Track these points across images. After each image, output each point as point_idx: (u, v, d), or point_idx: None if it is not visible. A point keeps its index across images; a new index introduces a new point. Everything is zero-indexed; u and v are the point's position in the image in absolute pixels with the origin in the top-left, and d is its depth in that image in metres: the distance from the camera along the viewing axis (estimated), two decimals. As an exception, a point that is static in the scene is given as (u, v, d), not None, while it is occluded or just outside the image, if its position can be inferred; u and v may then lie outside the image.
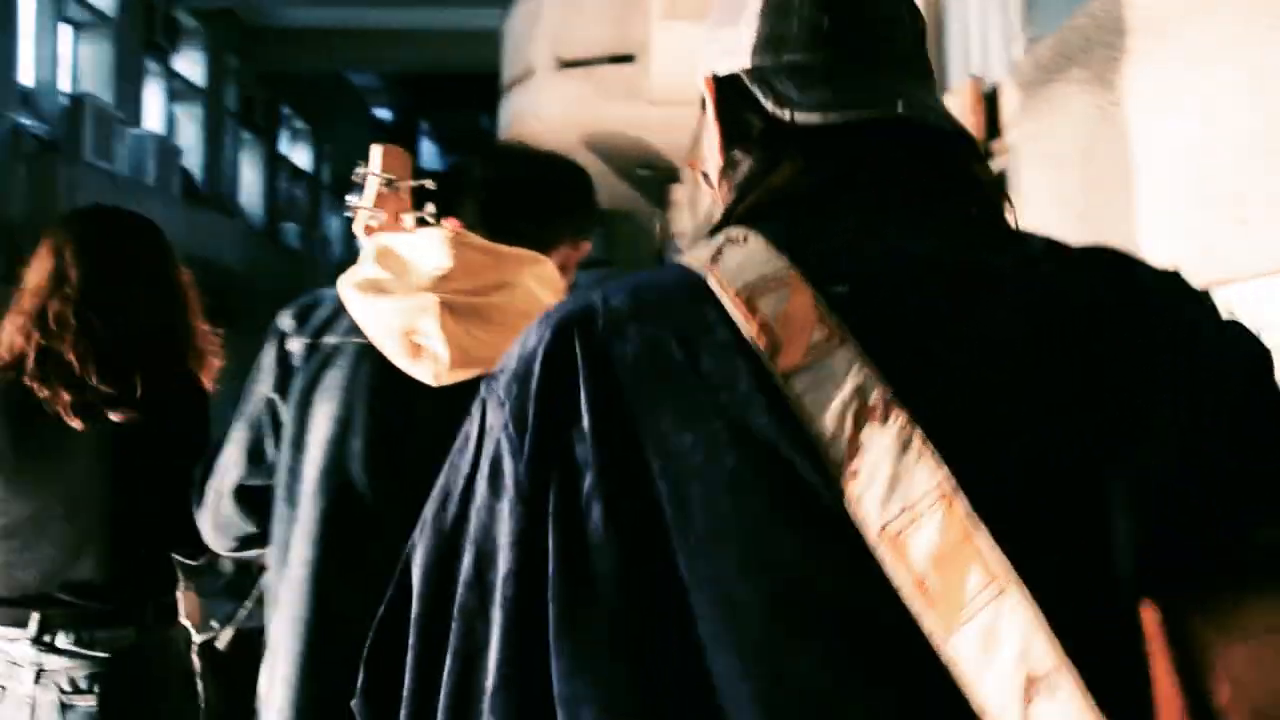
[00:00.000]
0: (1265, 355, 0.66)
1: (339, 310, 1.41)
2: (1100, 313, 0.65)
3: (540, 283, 1.31)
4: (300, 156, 18.28)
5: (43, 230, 1.96)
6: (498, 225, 1.36)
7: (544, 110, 8.41)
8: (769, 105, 0.73)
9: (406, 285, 1.31)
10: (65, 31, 10.98)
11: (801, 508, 0.59)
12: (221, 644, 3.01)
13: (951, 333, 0.64)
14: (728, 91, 0.77)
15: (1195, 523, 0.59)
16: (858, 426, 0.58)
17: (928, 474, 0.57)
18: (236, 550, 1.60)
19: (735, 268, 0.64)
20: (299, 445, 1.38)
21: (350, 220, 1.64)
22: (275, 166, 16.57)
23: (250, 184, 15.66)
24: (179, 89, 13.38)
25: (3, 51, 9.45)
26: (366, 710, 0.69)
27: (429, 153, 31.17)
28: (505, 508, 0.63)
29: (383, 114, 24.70)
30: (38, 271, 1.83)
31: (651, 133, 8.47)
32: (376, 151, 1.72)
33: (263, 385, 1.47)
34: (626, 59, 7.78)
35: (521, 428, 0.63)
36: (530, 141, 8.98)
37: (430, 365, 1.26)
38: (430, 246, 1.34)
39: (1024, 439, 0.61)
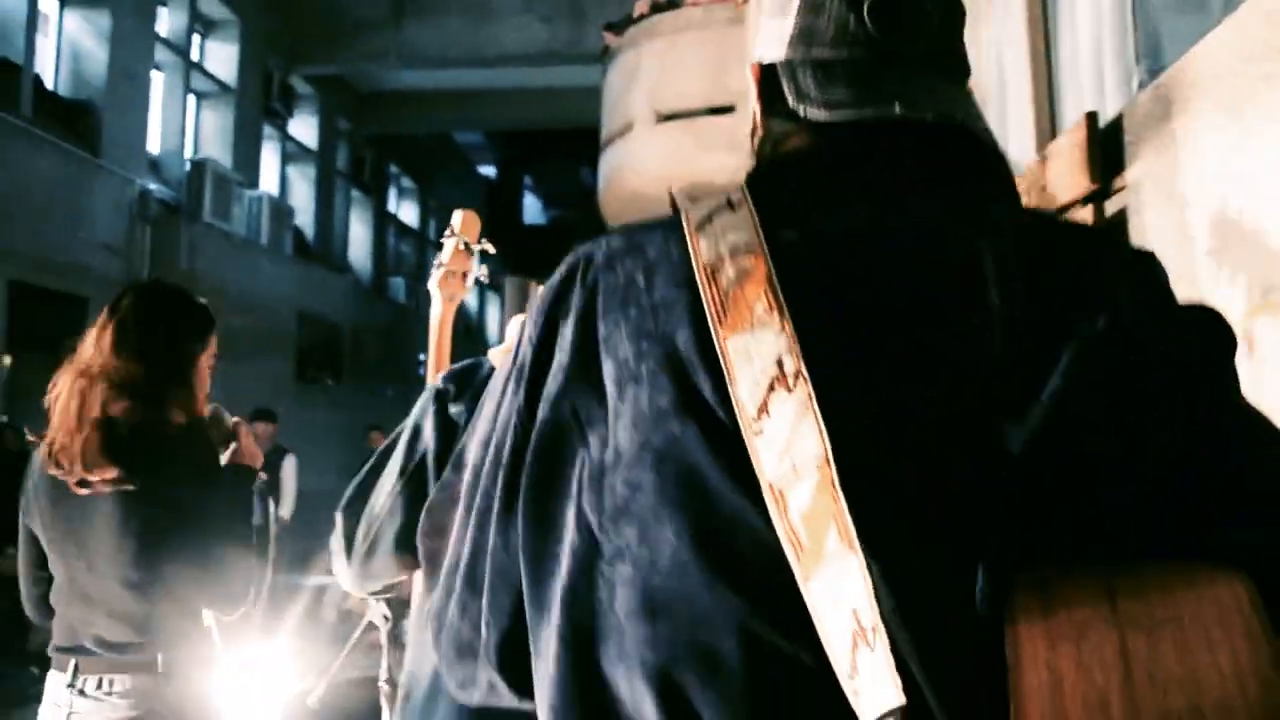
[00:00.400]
0: (1213, 352, 0.70)
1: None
2: (1020, 297, 0.68)
3: None
4: (407, 213, 18.83)
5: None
6: None
7: (643, 163, 8.47)
8: (790, 98, 0.79)
9: None
10: (190, 102, 11.57)
11: (712, 441, 0.67)
12: (312, 701, 2.98)
13: (882, 301, 0.69)
14: (768, 78, 0.82)
15: (1069, 500, 0.63)
16: (770, 390, 0.65)
17: (814, 441, 0.63)
18: (375, 595, 1.65)
19: (718, 230, 0.73)
20: None
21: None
22: (383, 223, 17.10)
23: (359, 241, 16.16)
24: (293, 151, 13.94)
25: (135, 124, 10.00)
26: (426, 544, 0.89)
27: (532, 207, 31.79)
28: (517, 392, 0.78)
29: (487, 170, 25.34)
30: (87, 344, 1.98)
31: (750, 182, 8.42)
32: (458, 216, 1.96)
33: (426, 445, 1.53)
34: (725, 110, 7.78)
35: (534, 333, 0.78)
36: (631, 192, 9.04)
37: None
38: None
39: (909, 412, 0.66)
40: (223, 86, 11.88)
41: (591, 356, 0.74)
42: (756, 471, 0.65)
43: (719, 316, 0.69)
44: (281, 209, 12.63)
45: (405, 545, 1.48)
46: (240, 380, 11.21)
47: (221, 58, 11.97)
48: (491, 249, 1.97)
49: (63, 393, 1.94)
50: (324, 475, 10.19)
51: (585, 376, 0.74)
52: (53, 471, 1.90)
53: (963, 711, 0.60)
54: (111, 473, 1.87)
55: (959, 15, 0.82)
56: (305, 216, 14.01)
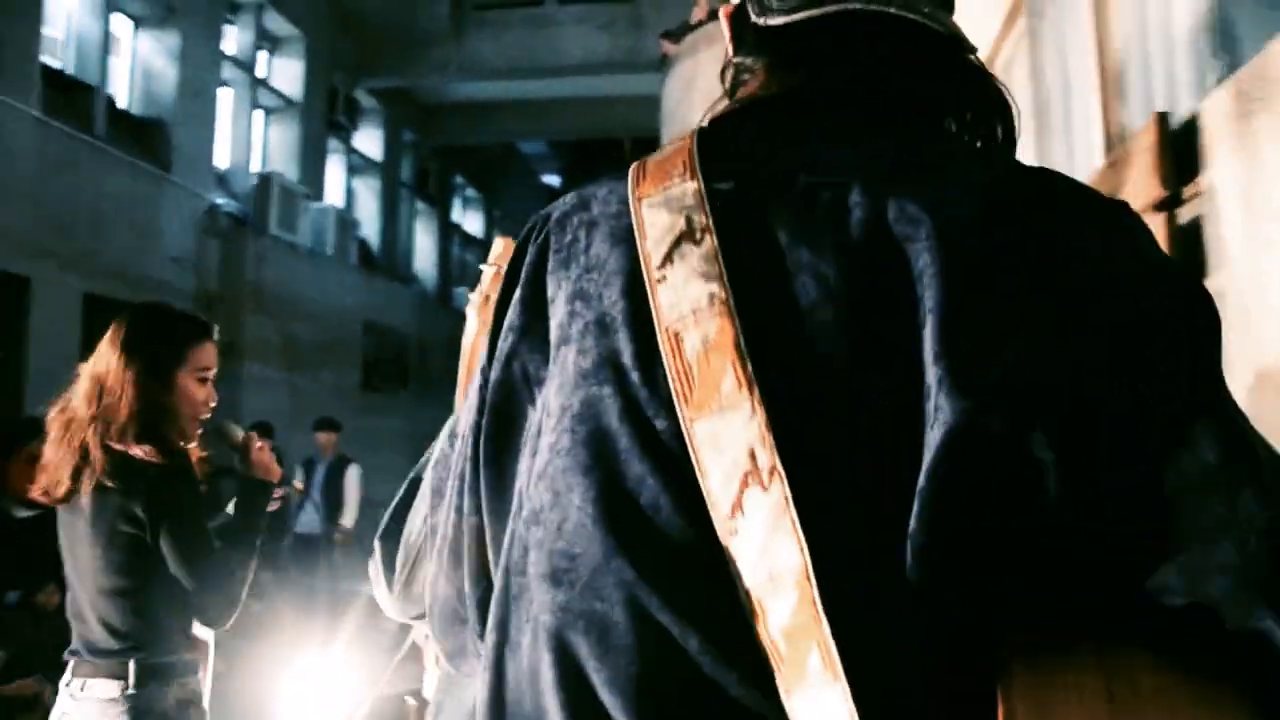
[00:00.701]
0: (1190, 333, 0.60)
1: None
2: (963, 253, 0.61)
3: None
4: (472, 223, 18.99)
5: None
6: None
7: (701, 170, 8.34)
8: (753, 16, 0.79)
9: None
10: (257, 116, 11.80)
11: (627, 408, 0.65)
12: (359, 716, 2.97)
13: (807, 250, 0.64)
14: (737, 17, 0.82)
15: (1007, 481, 0.57)
16: (744, 487, 0.60)
17: (793, 552, 0.58)
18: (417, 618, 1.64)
19: (680, 279, 0.66)
20: None
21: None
22: (448, 234, 17.26)
23: (424, 251, 16.33)
24: (357, 164, 14.14)
25: (203, 139, 10.21)
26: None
27: (595, 215, 31.88)
28: (489, 354, 0.79)
29: (550, 179, 25.50)
30: (90, 365, 2.10)
31: (811, 188, 8.27)
32: (498, 244, 1.92)
33: None
34: (783, 115, 7.65)
35: (498, 294, 0.79)
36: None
37: None
38: None
39: (830, 368, 0.61)
40: (288, 101, 12.09)
41: (537, 315, 0.74)
42: (733, 573, 0.60)
43: (685, 395, 0.63)
44: (347, 220, 12.80)
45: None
46: (307, 390, 11.39)
47: (287, 74, 12.18)
48: None
49: (52, 432, 2.06)
50: (389, 484, 10.21)
51: (532, 335, 0.74)
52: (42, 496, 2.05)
53: None
54: (86, 489, 1.98)
55: None
56: (370, 228, 14.19)
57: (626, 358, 0.66)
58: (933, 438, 0.57)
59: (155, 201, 9.33)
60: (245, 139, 11.34)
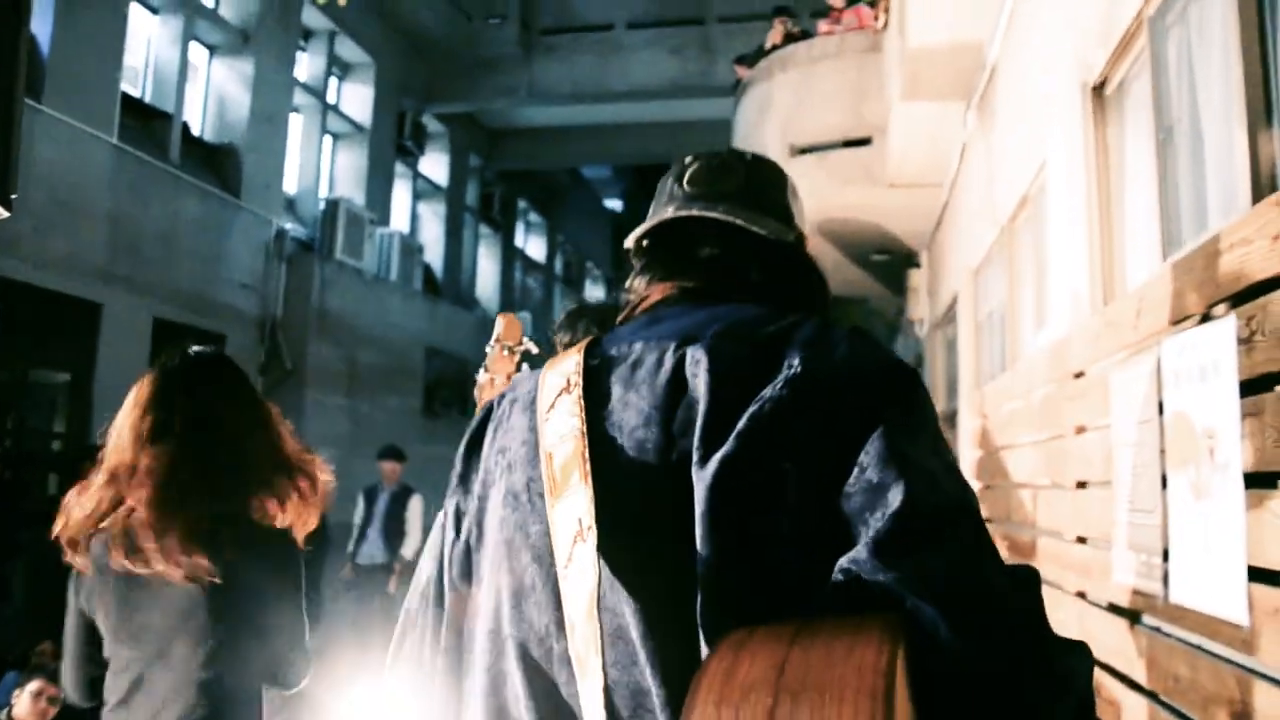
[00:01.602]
0: (877, 403, 0.90)
1: None
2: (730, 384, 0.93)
3: None
4: (535, 248, 18.97)
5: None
6: None
7: (774, 198, 8.17)
8: (633, 251, 1.22)
9: None
10: (326, 142, 11.87)
11: (522, 524, 1.02)
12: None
13: (634, 393, 0.99)
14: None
15: (750, 515, 0.87)
16: (575, 543, 0.91)
17: (592, 576, 0.88)
18: None
19: (556, 417, 1.01)
20: None
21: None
22: (510, 258, 17.23)
23: (487, 276, 16.32)
24: (423, 188, 14.18)
25: (273, 165, 10.28)
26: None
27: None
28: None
29: (613, 204, 25.49)
30: (123, 421, 1.99)
31: (887, 216, 8.05)
32: (500, 322, 2.10)
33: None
34: (863, 142, 7.44)
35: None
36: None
37: None
38: None
39: (635, 472, 0.94)
40: (357, 127, 12.15)
41: (469, 468, 1.13)
42: (564, 604, 0.92)
43: (551, 489, 0.96)
44: (411, 246, 12.81)
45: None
46: (369, 416, 11.36)
47: (357, 99, 12.25)
48: (535, 349, 2.12)
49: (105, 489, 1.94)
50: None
51: (463, 484, 1.13)
52: (123, 560, 1.88)
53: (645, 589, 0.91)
54: (193, 562, 1.88)
55: (771, 179, 1.21)
56: (434, 252, 14.20)
57: (520, 488, 1.02)
58: (703, 478, 0.88)
59: (225, 227, 9.38)
60: (314, 165, 11.41)
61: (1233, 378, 1.77)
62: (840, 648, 0.72)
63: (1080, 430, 2.98)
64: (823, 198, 7.59)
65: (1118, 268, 3.20)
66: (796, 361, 0.91)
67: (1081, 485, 2.98)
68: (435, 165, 14.33)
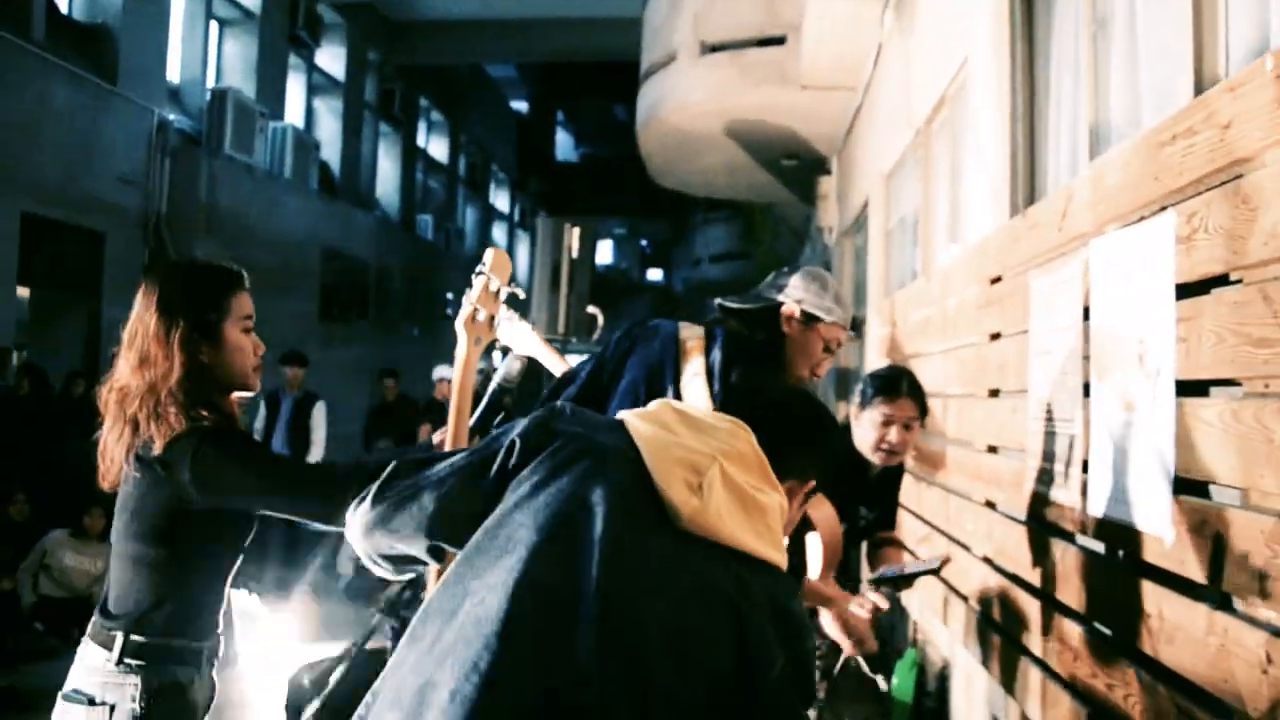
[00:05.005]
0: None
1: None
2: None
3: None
4: (437, 148, 18.33)
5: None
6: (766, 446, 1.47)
7: (686, 96, 7.92)
8: None
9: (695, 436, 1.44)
10: (212, 28, 11.11)
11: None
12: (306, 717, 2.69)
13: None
14: None
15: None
16: None
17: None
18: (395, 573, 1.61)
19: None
20: None
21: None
22: (412, 158, 16.62)
23: (387, 176, 15.74)
24: (319, 83, 13.48)
25: (154, 50, 9.57)
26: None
27: (564, 143, 31.21)
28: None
29: (519, 105, 24.75)
30: (129, 334, 1.97)
31: (800, 119, 7.88)
32: (489, 255, 2.12)
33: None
34: (777, 41, 7.22)
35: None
36: (671, 128, 8.61)
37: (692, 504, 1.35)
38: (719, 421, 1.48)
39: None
40: (246, 12, 11.40)
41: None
42: None
43: None
44: (306, 142, 12.20)
45: (430, 529, 1.45)
46: (265, 319, 10.89)
47: (243, -19, 11.46)
48: (521, 293, 2.15)
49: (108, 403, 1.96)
50: (349, 419, 9.91)
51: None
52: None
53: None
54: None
55: None
56: (331, 150, 13.59)
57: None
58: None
59: (100, 116, 8.74)
60: (199, 51, 10.68)
61: (1169, 279, 1.69)
62: None
63: (995, 337, 2.92)
64: (734, 97, 7.38)
65: (1039, 169, 3.11)
66: None
67: (994, 394, 2.93)
68: (332, 59, 13.60)
